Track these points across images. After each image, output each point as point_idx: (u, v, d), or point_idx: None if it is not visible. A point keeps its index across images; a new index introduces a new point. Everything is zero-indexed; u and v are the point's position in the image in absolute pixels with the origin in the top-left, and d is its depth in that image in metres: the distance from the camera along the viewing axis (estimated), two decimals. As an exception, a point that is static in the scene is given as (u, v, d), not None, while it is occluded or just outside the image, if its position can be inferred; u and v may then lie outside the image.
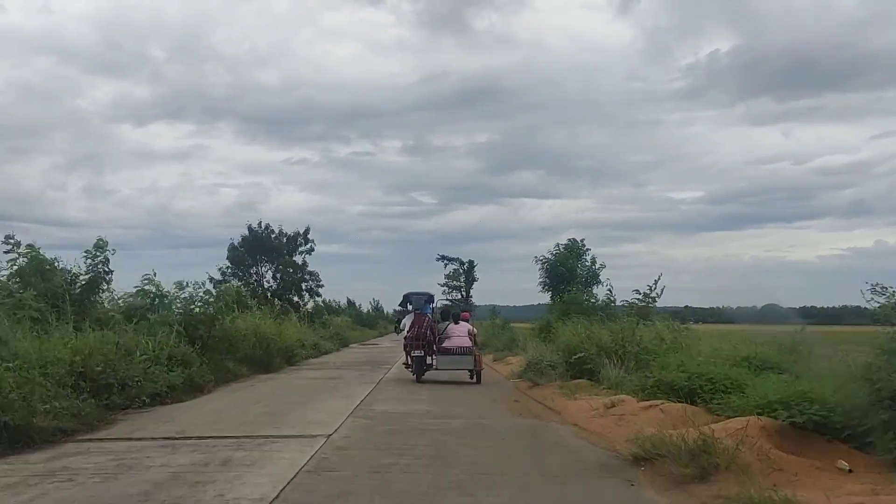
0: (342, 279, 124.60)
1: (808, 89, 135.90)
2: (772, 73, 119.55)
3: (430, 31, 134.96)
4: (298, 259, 36.47)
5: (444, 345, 14.68)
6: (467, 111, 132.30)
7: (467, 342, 14.69)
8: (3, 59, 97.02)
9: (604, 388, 11.14)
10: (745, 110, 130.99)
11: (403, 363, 15.46)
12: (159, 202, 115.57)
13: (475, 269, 79.64)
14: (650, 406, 8.47)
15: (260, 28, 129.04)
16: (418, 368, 14.61)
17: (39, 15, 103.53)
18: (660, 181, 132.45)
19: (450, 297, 74.25)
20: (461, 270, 77.50)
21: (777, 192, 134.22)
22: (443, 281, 77.25)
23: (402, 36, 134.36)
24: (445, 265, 77.85)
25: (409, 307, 15.77)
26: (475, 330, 15.62)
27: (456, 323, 15.04)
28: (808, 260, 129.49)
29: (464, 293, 77.07)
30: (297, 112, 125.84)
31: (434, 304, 16.35)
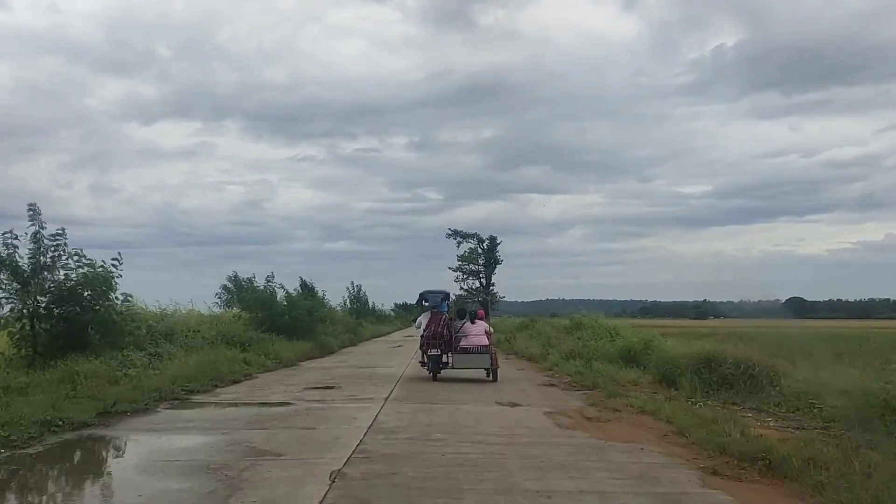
0: (349, 276, 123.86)
1: (815, 83, 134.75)
2: (778, 67, 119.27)
3: (436, 27, 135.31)
4: None
5: (461, 343, 14.73)
6: (473, 107, 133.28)
7: (484, 340, 14.76)
8: (11, 59, 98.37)
9: None
10: (751, 104, 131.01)
11: (420, 361, 15.44)
12: (166, 200, 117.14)
13: (498, 247, 62.08)
14: None
15: (266, 25, 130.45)
16: (434, 367, 14.72)
17: (46, 14, 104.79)
18: (667, 176, 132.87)
19: (465, 287, 60.05)
20: (480, 250, 61.53)
21: (786, 186, 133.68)
22: (455, 264, 61.76)
23: (407, 32, 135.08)
24: (459, 243, 61.76)
25: (426, 305, 15.67)
26: (492, 329, 15.61)
27: (472, 322, 14.98)
28: (817, 253, 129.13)
29: (483, 280, 60.97)
30: (303, 109, 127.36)
31: (450, 302, 16.27)
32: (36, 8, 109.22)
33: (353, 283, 47.61)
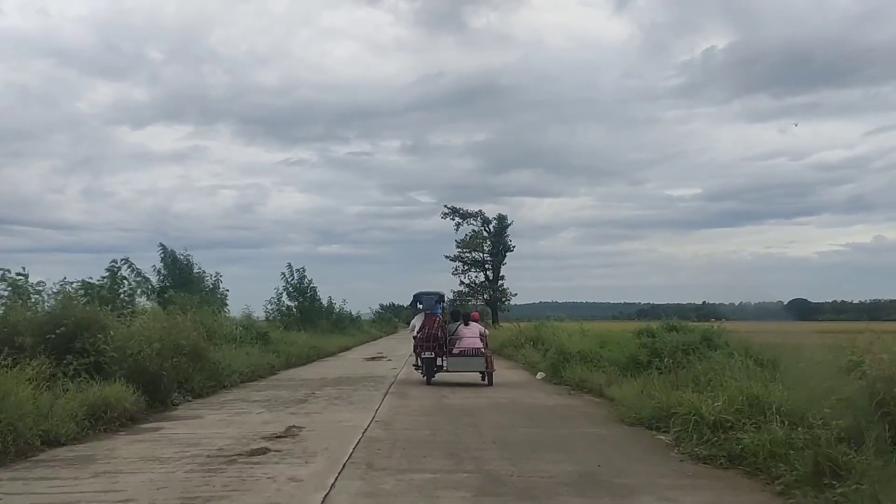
0: (344, 279, 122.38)
1: (805, 85, 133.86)
2: (768, 70, 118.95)
3: (428, 30, 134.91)
4: None
5: (455, 347, 14.50)
6: (465, 110, 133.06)
7: (478, 343, 14.54)
8: (1, 62, 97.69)
9: None
10: (741, 107, 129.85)
11: (413, 365, 15.23)
12: (158, 204, 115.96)
13: (509, 229, 47.78)
14: None
15: (258, 28, 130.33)
16: (429, 370, 14.52)
17: (37, 17, 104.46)
18: (658, 179, 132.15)
19: (466, 281, 46.61)
20: (485, 232, 47.29)
21: (775, 189, 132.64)
22: (453, 252, 47.34)
23: (400, 35, 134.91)
24: (457, 225, 47.73)
25: (420, 307, 15.46)
26: (486, 331, 15.37)
27: (466, 325, 14.76)
28: (807, 256, 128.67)
29: (489, 272, 46.89)
30: (295, 112, 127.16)
31: (444, 304, 16.06)
32: (25, 10, 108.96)
33: (290, 265, 31.19)
